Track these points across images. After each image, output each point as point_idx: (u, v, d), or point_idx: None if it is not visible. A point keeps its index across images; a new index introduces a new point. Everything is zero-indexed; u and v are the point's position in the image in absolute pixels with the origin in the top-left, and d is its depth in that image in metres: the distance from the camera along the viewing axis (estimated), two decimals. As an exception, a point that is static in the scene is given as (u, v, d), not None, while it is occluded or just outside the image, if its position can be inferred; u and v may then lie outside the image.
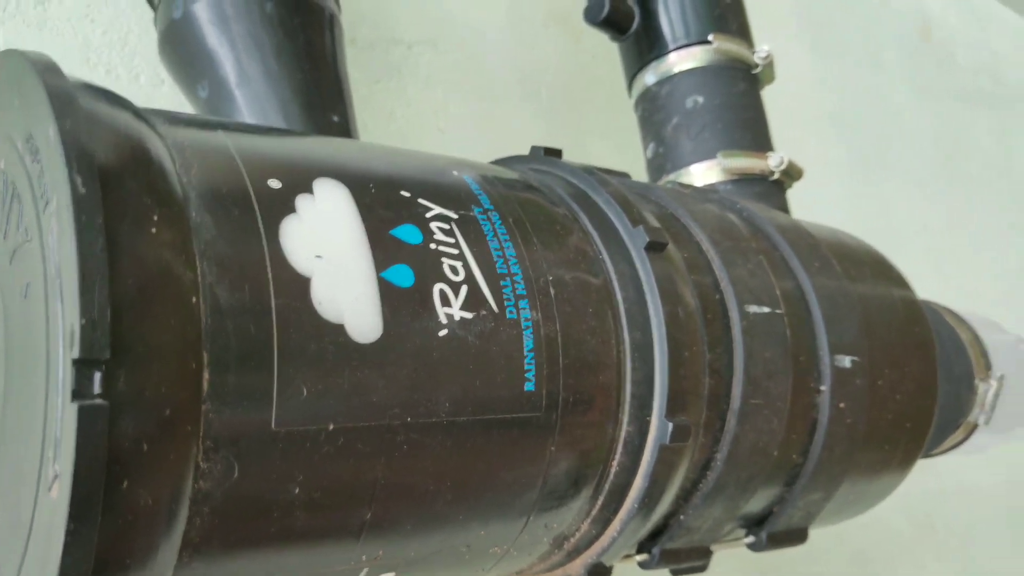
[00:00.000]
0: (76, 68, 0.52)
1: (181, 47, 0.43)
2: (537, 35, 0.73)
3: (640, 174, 0.56)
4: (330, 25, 0.44)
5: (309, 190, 0.26)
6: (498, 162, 0.38)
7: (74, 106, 0.21)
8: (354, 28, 0.62)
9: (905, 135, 1.12)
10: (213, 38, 0.41)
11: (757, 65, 0.50)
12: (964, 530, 0.95)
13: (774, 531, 0.39)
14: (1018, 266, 1.20)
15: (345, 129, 0.42)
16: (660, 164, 0.50)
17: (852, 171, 1.01)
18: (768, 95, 0.55)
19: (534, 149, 0.37)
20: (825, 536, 0.46)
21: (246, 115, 0.41)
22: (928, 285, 1.06)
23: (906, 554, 0.88)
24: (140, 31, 0.54)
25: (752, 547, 0.39)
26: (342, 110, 0.43)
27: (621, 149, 0.73)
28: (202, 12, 0.42)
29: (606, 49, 0.75)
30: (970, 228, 1.15)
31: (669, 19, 0.50)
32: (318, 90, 0.42)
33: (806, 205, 0.58)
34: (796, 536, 0.40)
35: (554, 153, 0.36)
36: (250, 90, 0.41)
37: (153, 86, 0.54)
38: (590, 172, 0.34)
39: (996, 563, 0.98)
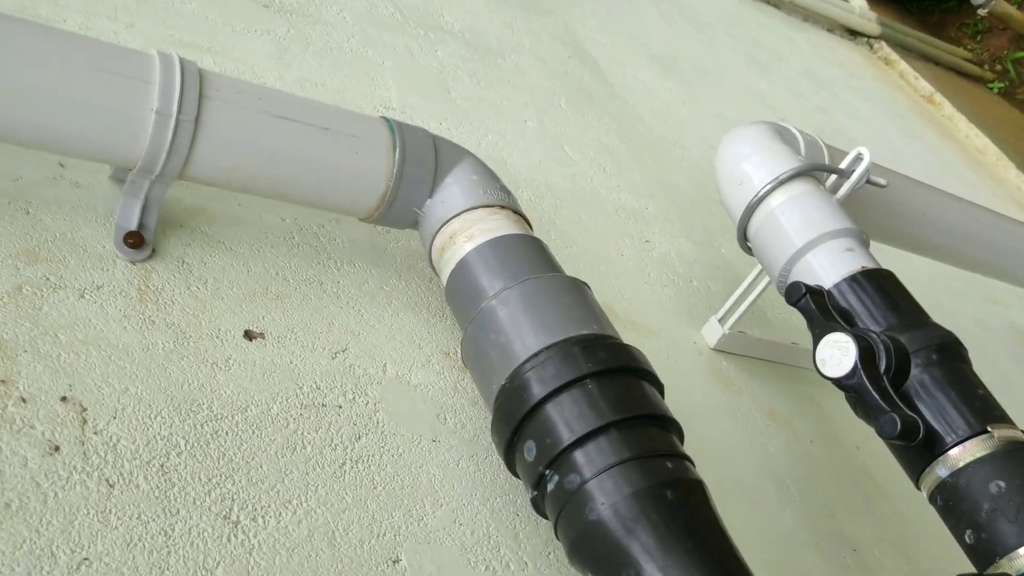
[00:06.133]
0: None
1: (597, 547, 0.51)
2: (762, 434, 0.83)
3: (889, 534, 0.60)
4: (708, 494, 0.53)
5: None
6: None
7: None
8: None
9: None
10: (624, 534, 0.49)
11: (1031, 443, 0.58)
12: None
13: None
14: None
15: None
16: (986, 549, 0.55)
17: None
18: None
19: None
20: None
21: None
22: None
23: None
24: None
25: None
26: (738, 566, 0.50)
27: (867, 519, 0.79)
28: (608, 515, 0.50)
29: (814, 435, 0.86)
30: None
31: (940, 419, 0.59)
32: (720, 555, 0.50)
33: None
34: None
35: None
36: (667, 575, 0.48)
37: None
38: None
39: None
